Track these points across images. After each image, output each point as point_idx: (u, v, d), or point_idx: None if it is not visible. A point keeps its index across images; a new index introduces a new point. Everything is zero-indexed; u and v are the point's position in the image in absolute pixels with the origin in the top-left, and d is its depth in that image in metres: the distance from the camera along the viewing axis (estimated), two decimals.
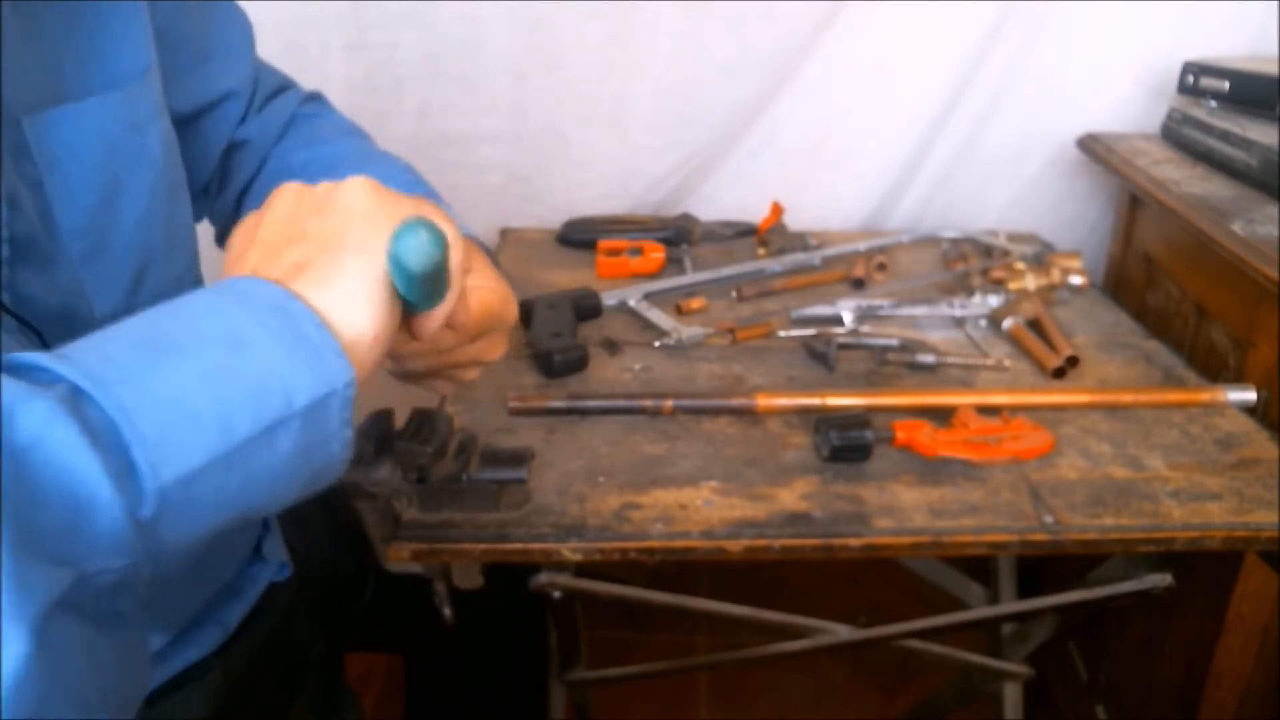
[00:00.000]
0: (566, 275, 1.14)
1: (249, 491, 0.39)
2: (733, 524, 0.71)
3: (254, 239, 0.47)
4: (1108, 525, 0.72)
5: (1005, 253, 1.18)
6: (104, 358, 0.37)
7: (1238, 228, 0.93)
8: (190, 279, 0.68)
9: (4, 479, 0.31)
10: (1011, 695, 1.24)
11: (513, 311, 0.62)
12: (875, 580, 1.63)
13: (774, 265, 1.16)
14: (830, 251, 1.20)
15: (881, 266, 1.14)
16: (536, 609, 1.02)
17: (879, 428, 0.78)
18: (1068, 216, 1.34)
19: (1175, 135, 1.19)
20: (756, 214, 1.26)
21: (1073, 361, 0.94)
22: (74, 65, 0.56)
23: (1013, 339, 1.00)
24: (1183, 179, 1.08)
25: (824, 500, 0.74)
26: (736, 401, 0.85)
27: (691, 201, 1.33)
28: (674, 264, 1.17)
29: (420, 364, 0.59)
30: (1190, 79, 1.17)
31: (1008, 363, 0.95)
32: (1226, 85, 1.12)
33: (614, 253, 1.16)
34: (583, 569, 0.86)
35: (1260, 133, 1.05)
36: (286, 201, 0.48)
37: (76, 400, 0.34)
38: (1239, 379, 0.93)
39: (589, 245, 1.20)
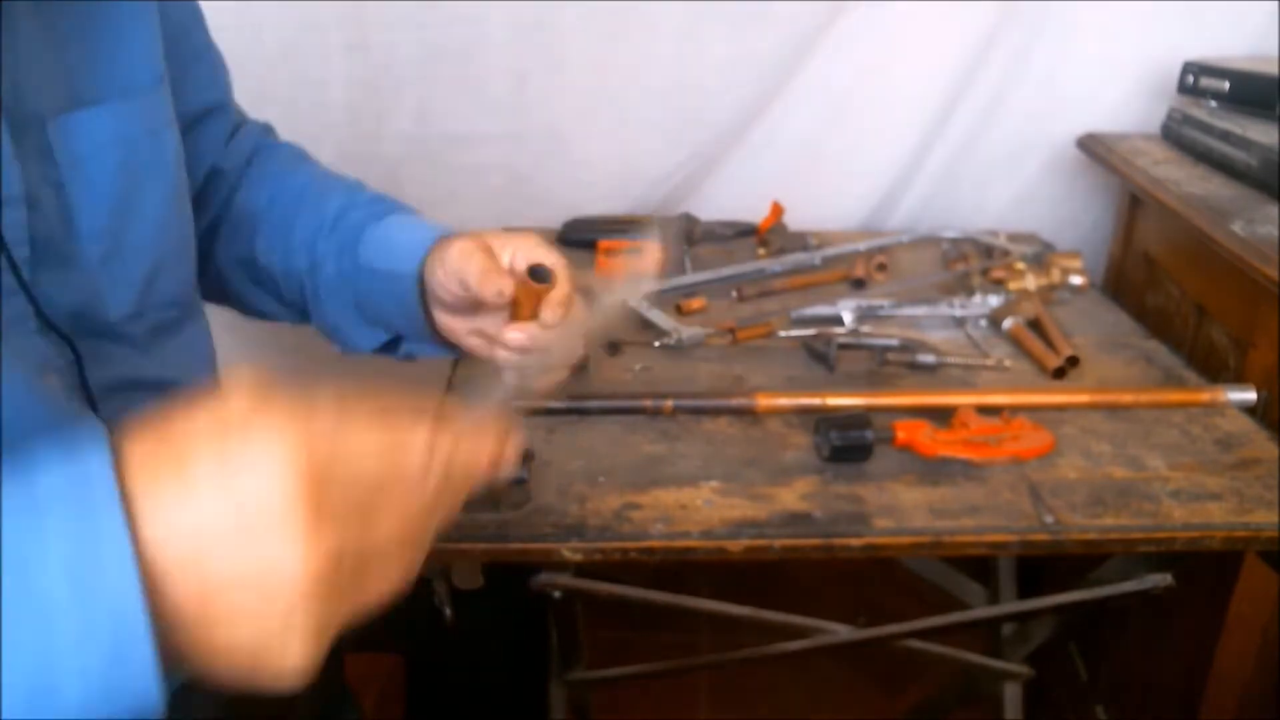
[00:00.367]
0: None
1: None
2: (733, 524, 0.71)
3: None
4: (1108, 525, 0.72)
5: (1005, 253, 1.18)
6: None
7: (1238, 228, 0.93)
8: (191, 285, 0.69)
9: None
10: (1011, 695, 1.23)
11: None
12: (875, 580, 1.63)
13: (774, 265, 1.16)
14: (830, 251, 1.20)
15: (881, 266, 1.14)
16: (536, 609, 1.01)
17: (879, 428, 0.78)
18: (1068, 216, 1.34)
19: (1175, 135, 1.19)
20: (756, 214, 1.26)
21: (1073, 361, 0.94)
22: (90, 70, 0.57)
23: (1013, 339, 1.00)
24: (1183, 179, 1.08)
25: (824, 500, 0.74)
26: (736, 401, 0.85)
27: (691, 201, 1.33)
28: (674, 264, 1.17)
29: (512, 374, 0.61)
30: (1190, 79, 1.17)
31: (1008, 363, 0.95)
32: (1226, 85, 1.12)
33: (614, 253, 1.16)
34: (583, 569, 0.86)
35: (1260, 133, 1.05)
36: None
37: None
38: (1239, 379, 0.93)
39: (589, 245, 1.20)
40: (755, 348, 0.99)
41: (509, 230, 0.66)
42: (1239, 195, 1.02)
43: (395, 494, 0.37)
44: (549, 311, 0.61)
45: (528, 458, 0.74)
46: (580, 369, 0.91)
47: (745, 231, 1.26)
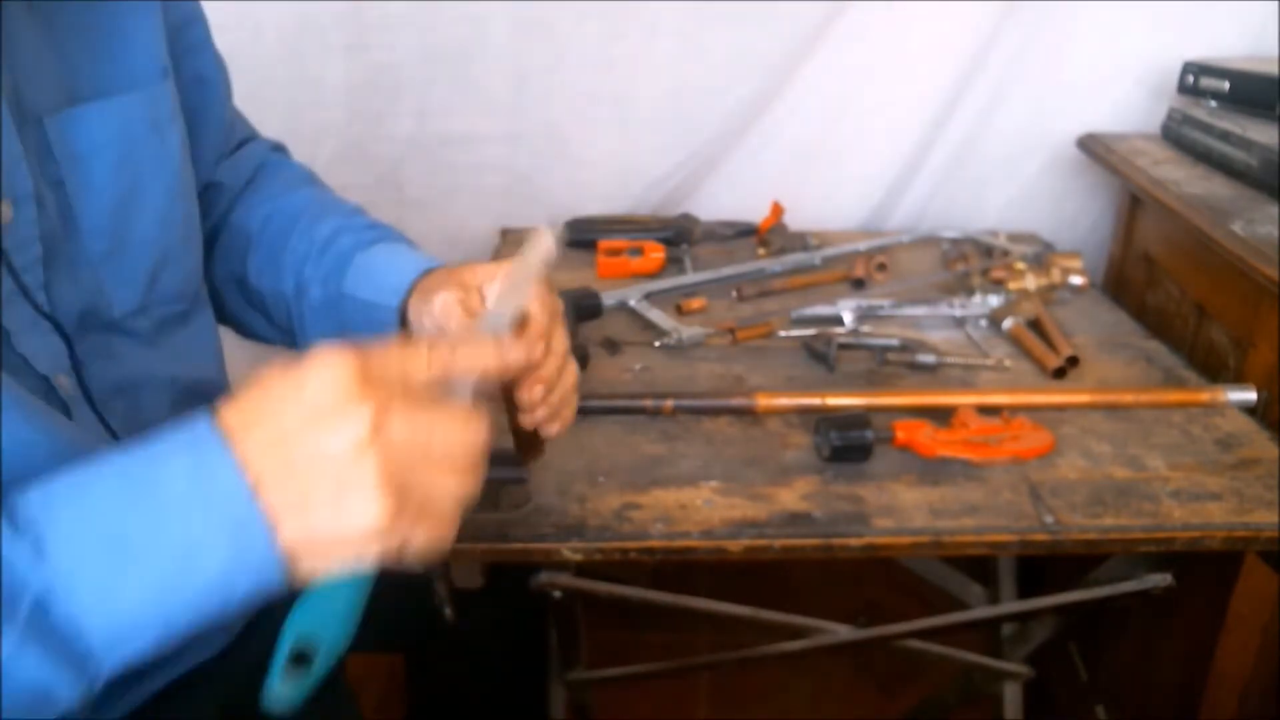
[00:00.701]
0: (566, 275, 1.14)
1: (178, 637, 0.42)
2: (733, 524, 0.71)
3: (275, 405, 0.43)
4: (1108, 525, 0.72)
5: (1005, 253, 1.18)
6: (76, 560, 0.39)
7: (1238, 228, 0.93)
8: (197, 278, 0.69)
9: None
10: (1011, 695, 1.24)
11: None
12: (875, 580, 1.63)
13: (774, 265, 1.16)
14: (830, 251, 1.20)
15: (881, 266, 1.14)
16: (536, 609, 1.01)
17: (879, 428, 0.78)
18: (1068, 216, 1.34)
19: (1175, 135, 1.19)
20: (756, 214, 1.26)
21: (1073, 361, 0.94)
22: (90, 66, 0.57)
23: (1013, 339, 1.00)
24: (1183, 179, 1.08)
25: (824, 500, 0.74)
26: (736, 401, 0.85)
27: (691, 201, 1.33)
28: (674, 264, 1.17)
29: (542, 410, 0.60)
30: (1190, 79, 1.17)
31: (1008, 363, 0.95)
32: (1226, 85, 1.12)
33: (614, 253, 1.16)
34: (583, 569, 0.85)
35: (1260, 133, 1.05)
36: (316, 391, 0.42)
37: (45, 610, 0.38)
38: (1239, 379, 0.93)
39: (589, 245, 1.20)
40: (755, 348, 0.99)
41: (492, 263, 0.64)
42: (1239, 195, 1.02)
43: (427, 381, 0.44)
44: (531, 350, 0.57)
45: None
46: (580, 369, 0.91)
47: (745, 231, 1.26)
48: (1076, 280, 1.11)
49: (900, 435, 0.79)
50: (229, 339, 0.76)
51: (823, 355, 0.94)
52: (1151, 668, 1.09)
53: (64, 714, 0.40)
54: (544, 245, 0.56)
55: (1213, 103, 1.15)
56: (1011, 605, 1.25)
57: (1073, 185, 1.32)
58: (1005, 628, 1.22)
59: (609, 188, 1.31)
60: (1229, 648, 0.93)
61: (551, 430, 0.62)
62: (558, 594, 0.85)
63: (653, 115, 1.26)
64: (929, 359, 0.93)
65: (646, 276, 1.14)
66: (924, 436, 0.78)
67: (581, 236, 1.23)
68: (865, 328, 1.02)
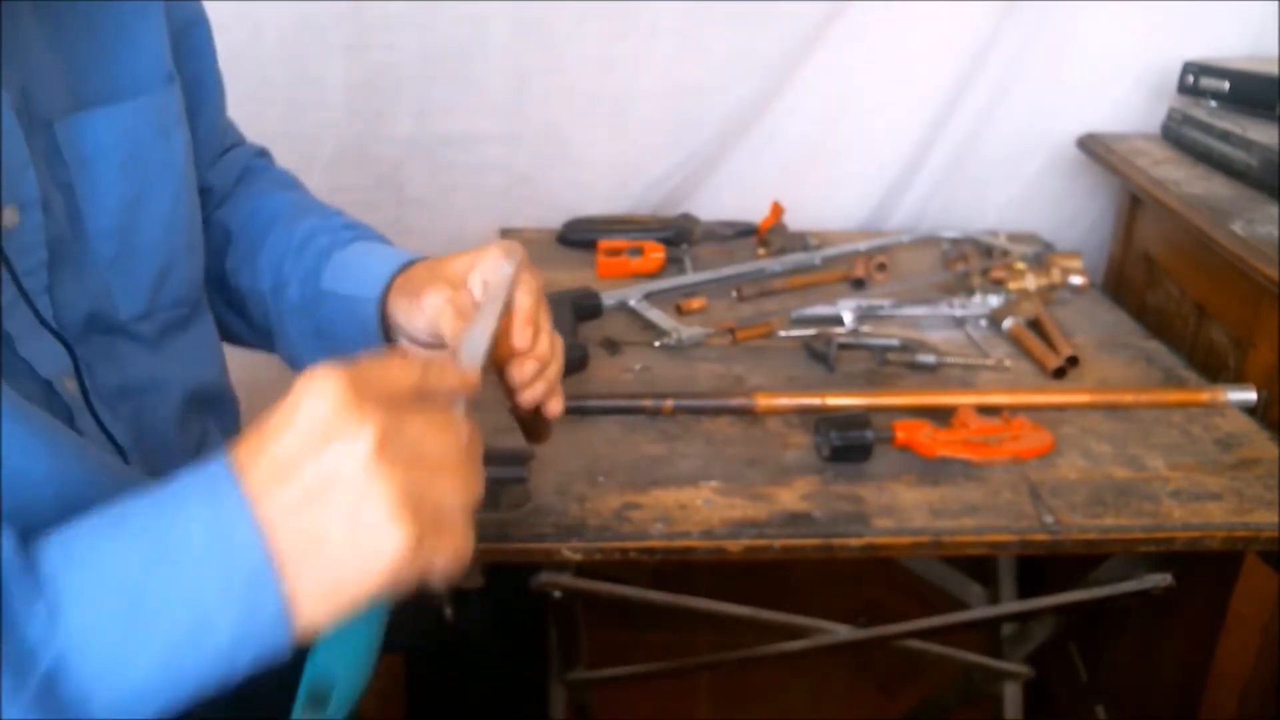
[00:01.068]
0: (566, 275, 1.14)
1: (179, 707, 0.41)
2: (733, 524, 0.71)
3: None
4: (1108, 525, 0.72)
5: (1005, 253, 1.18)
6: (89, 630, 0.38)
7: (1238, 228, 0.93)
8: (200, 283, 0.69)
9: None
10: (1011, 695, 1.23)
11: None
12: (875, 580, 1.63)
13: (774, 265, 1.16)
14: (830, 251, 1.20)
15: (881, 266, 1.14)
16: (536, 609, 1.01)
17: (879, 428, 0.78)
18: (1068, 216, 1.34)
19: (1175, 135, 1.19)
20: (756, 214, 1.26)
21: (1073, 361, 0.94)
22: (95, 71, 0.57)
23: (1013, 339, 1.00)
24: (1183, 179, 1.08)
25: (824, 500, 0.74)
26: (736, 401, 0.85)
27: (691, 201, 1.33)
28: (674, 264, 1.17)
29: (539, 385, 0.59)
30: (1190, 79, 1.17)
31: (1008, 363, 0.95)
32: (1226, 85, 1.12)
33: (614, 253, 1.16)
34: (583, 569, 0.86)
35: (1260, 133, 1.05)
36: (312, 409, 0.41)
37: (54, 681, 0.37)
38: (1239, 379, 0.93)
39: (589, 245, 1.20)
40: (755, 348, 0.99)
41: (471, 251, 0.63)
42: (1239, 195, 1.02)
43: (416, 393, 0.43)
44: (519, 337, 0.58)
45: (527, 458, 0.73)
46: (580, 369, 0.91)
47: (745, 231, 1.25)
48: (1076, 280, 1.11)
49: (900, 435, 0.79)
50: (226, 347, 0.76)
51: (823, 355, 0.94)
52: (1151, 668, 1.09)
53: None
54: (505, 274, 0.58)
55: (1213, 103, 1.15)
56: (1011, 605, 1.25)
57: (1073, 185, 1.32)
58: (1005, 628, 1.22)
59: (609, 188, 1.31)
60: (1229, 648, 0.93)
61: (554, 408, 0.62)
62: (558, 594, 0.85)
63: (653, 115, 1.26)
64: (929, 359, 0.93)
65: (646, 276, 1.14)
66: (924, 436, 0.78)
67: (581, 236, 1.23)
68: (865, 328, 1.02)
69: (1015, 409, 0.84)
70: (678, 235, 1.21)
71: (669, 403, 0.85)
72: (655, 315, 1.02)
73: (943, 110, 1.27)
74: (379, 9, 1.17)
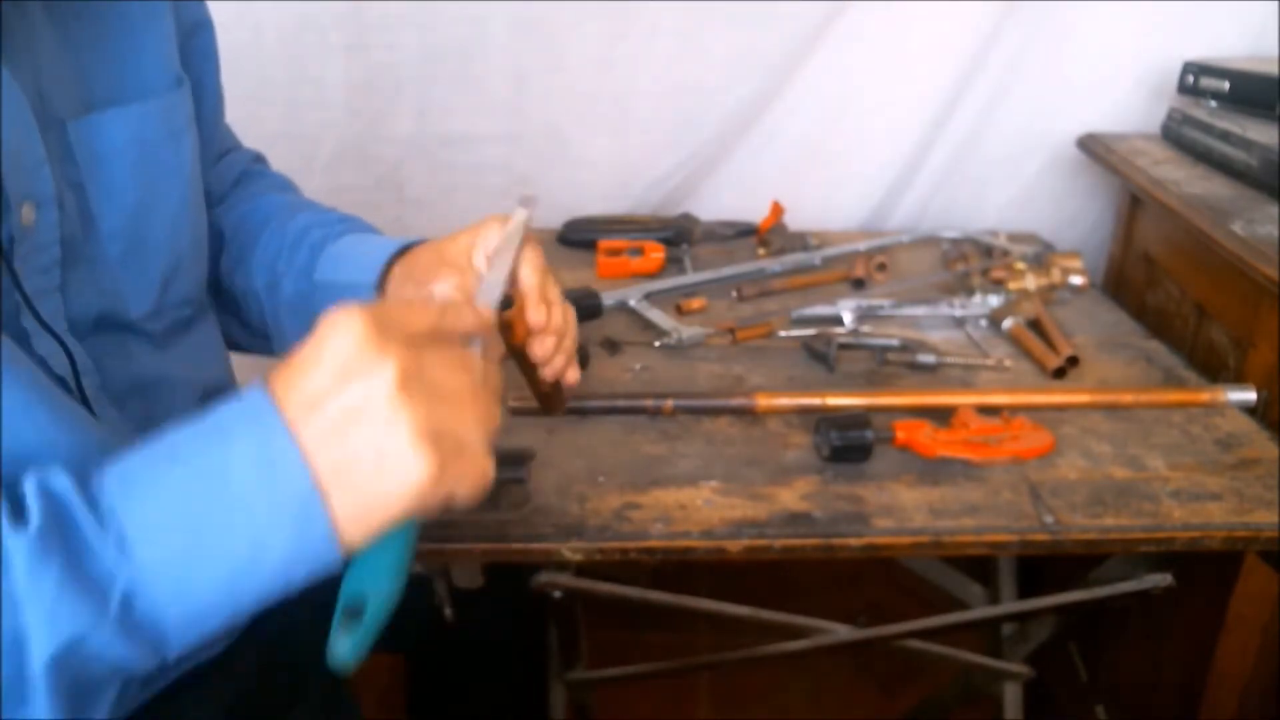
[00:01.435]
0: (566, 275, 1.14)
1: (245, 617, 0.44)
2: (733, 524, 0.71)
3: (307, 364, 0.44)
4: (1108, 525, 0.72)
5: (1005, 253, 1.18)
6: (157, 560, 0.41)
7: (1238, 228, 0.93)
8: (204, 282, 0.70)
9: (70, 678, 0.40)
10: (1011, 695, 1.23)
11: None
12: (875, 580, 1.63)
13: (774, 265, 1.16)
14: (830, 251, 1.20)
15: (881, 266, 1.14)
16: (536, 609, 1.01)
17: (879, 428, 0.78)
18: (1068, 216, 1.34)
19: (1175, 135, 1.19)
20: (756, 214, 1.26)
21: (1073, 361, 0.94)
22: (105, 72, 0.58)
23: (1013, 339, 1.00)
24: (1183, 179, 1.08)
25: (824, 500, 0.74)
26: (736, 401, 0.85)
27: (691, 201, 1.33)
28: (674, 264, 1.17)
29: (560, 357, 0.62)
30: (1190, 79, 1.17)
31: (1008, 363, 0.95)
32: (1226, 85, 1.12)
33: (614, 253, 1.16)
34: (583, 569, 0.86)
35: (1260, 133, 1.05)
36: (339, 342, 0.44)
37: (130, 605, 0.40)
38: (1239, 379, 0.93)
39: (589, 245, 1.20)
40: (755, 348, 0.99)
41: (470, 228, 0.65)
42: (1239, 195, 1.02)
43: (433, 332, 0.46)
44: (534, 315, 0.60)
45: (527, 458, 0.74)
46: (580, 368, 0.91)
47: (745, 231, 1.25)
48: (1076, 280, 1.11)
49: (900, 435, 0.79)
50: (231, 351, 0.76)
51: (823, 355, 0.94)
52: (1151, 668, 1.09)
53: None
54: (520, 218, 0.61)
55: (1213, 103, 1.15)
56: (1011, 605, 1.25)
57: (1073, 185, 1.32)
58: (1005, 628, 1.22)
59: (609, 188, 1.31)
60: (1229, 648, 0.93)
61: (572, 376, 0.64)
62: (558, 594, 0.85)
63: (653, 115, 1.26)
64: (929, 359, 0.93)
65: (646, 276, 1.14)
66: (924, 436, 0.78)
67: (581, 236, 1.23)
68: (865, 328, 1.02)
69: (1015, 409, 0.84)
70: (678, 235, 1.21)
71: (669, 403, 0.85)
72: (655, 315, 1.02)
73: (943, 110, 1.27)
74: (379, 9, 1.18)
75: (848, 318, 1.03)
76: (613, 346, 0.97)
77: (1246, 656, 0.93)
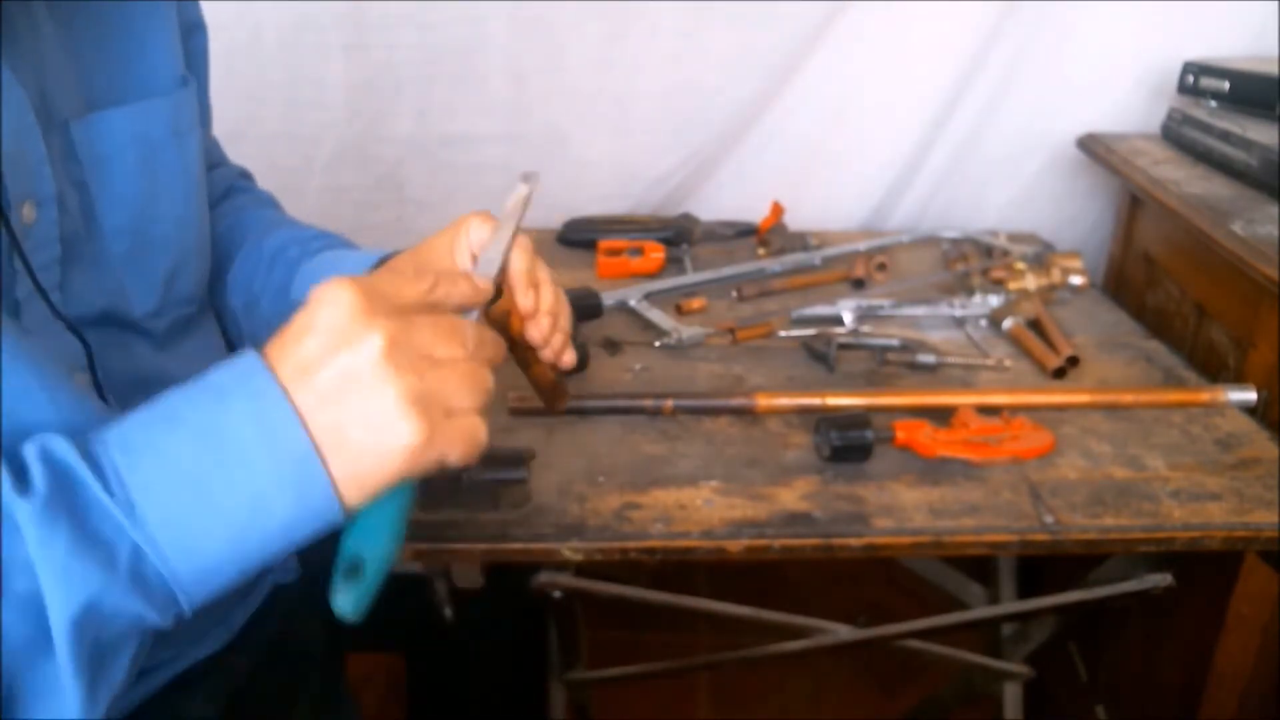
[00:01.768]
0: (566, 275, 1.14)
1: (253, 573, 0.45)
2: (733, 524, 0.71)
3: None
4: (1108, 525, 0.72)
5: (1005, 253, 1.18)
6: (163, 522, 0.41)
7: (1238, 228, 0.93)
8: (206, 282, 0.70)
9: (90, 638, 0.41)
10: (1011, 695, 1.24)
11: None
12: (875, 580, 1.63)
13: (774, 265, 1.16)
14: (830, 251, 1.20)
15: (881, 266, 1.14)
16: (536, 609, 1.01)
17: (879, 428, 0.78)
18: (1068, 216, 1.34)
19: (1175, 135, 1.19)
20: (756, 214, 1.26)
21: (1073, 361, 0.94)
22: (108, 72, 0.58)
23: (1013, 339, 1.00)
24: (1183, 179, 1.08)
25: (824, 500, 0.74)
26: (736, 401, 0.85)
27: (692, 201, 1.33)
28: (674, 264, 1.17)
29: (557, 337, 0.62)
30: (1190, 79, 1.17)
31: (1008, 363, 0.95)
32: (1226, 85, 1.12)
33: (614, 253, 1.16)
34: (583, 569, 0.86)
35: (1260, 133, 1.05)
36: (330, 312, 0.45)
37: (140, 564, 0.41)
38: (1239, 379, 0.93)
39: (589, 245, 1.20)
40: (755, 348, 0.99)
41: (447, 229, 0.65)
42: (1239, 195, 1.02)
43: (425, 303, 0.47)
44: (523, 300, 0.60)
45: (528, 458, 0.73)
46: (580, 369, 0.91)
47: (745, 231, 1.25)
48: (1076, 280, 1.11)
49: (900, 435, 0.79)
50: None
51: (823, 355, 0.94)
52: (1151, 668, 1.09)
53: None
54: (522, 193, 0.62)
55: (1213, 103, 1.15)
56: (1011, 605, 1.25)
57: (1073, 185, 1.32)
58: (1005, 628, 1.22)
59: (609, 188, 1.31)
60: (1229, 648, 0.93)
61: (568, 359, 0.64)
62: (558, 594, 0.85)
63: (653, 115, 1.26)
64: (929, 359, 0.93)
65: (646, 276, 1.14)
66: (924, 436, 0.78)
67: (581, 236, 1.23)
68: (865, 328, 1.02)
69: (1015, 409, 0.84)
70: (678, 235, 1.21)
71: (669, 403, 0.85)
72: (655, 315, 1.02)
73: (943, 110, 1.27)
74: (379, 9, 1.18)
75: (848, 318, 1.03)
76: (613, 346, 0.97)
77: (1246, 656, 0.93)
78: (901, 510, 0.73)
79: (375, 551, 0.45)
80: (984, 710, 1.27)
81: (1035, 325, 1.01)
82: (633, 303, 1.05)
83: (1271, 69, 1.09)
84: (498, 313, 0.57)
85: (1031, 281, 1.09)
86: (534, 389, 0.67)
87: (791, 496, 0.74)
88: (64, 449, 0.41)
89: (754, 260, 1.18)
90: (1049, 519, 0.72)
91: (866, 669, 1.51)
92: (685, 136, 1.27)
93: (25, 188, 0.52)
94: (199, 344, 0.69)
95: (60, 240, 0.54)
